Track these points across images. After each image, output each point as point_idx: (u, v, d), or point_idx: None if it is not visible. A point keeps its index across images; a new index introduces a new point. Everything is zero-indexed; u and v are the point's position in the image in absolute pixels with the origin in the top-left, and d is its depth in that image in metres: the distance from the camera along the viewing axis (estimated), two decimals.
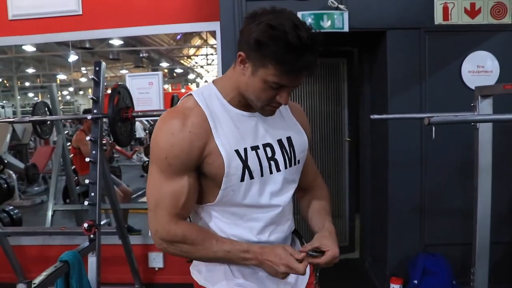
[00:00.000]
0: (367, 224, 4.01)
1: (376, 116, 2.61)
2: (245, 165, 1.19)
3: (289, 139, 1.31)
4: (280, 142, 1.28)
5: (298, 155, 1.33)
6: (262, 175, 1.23)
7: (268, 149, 1.25)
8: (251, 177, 1.21)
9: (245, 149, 1.20)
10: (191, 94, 1.23)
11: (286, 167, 1.28)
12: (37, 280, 2.12)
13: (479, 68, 3.16)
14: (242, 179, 1.20)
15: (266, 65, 1.10)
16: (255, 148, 1.22)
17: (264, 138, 1.25)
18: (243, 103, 1.23)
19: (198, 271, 1.34)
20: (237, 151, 1.18)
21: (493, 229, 2.46)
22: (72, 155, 4.82)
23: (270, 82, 1.12)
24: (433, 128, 3.12)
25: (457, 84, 3.18)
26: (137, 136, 7.73)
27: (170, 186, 1.17)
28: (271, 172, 1.25)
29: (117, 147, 6.51)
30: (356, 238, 4.37)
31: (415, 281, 3.10)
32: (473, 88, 3.02)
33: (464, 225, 3.17)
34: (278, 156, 1.27)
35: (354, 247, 4.35)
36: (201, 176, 1.21)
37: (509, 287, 3.01)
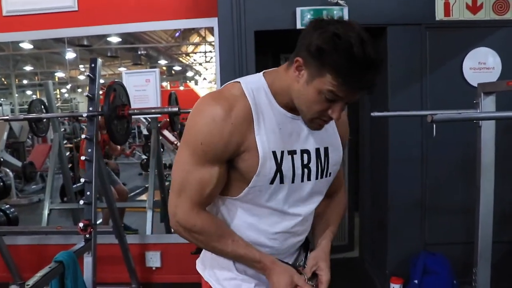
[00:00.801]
0: (367, 222, 3.97)
1: (376, 114, 2.57)
2: (279, 169, 1.15)
3: (326, 150, 1.25)
4: (317, 151, 1.23)
5: (331, 168, 1.28)
6: (293, 182, 1.20)
7: (305, 155, 1.20)
8: (282, 181, 1.17)
9: (282, 152, 1.16)
10: (238, 82, 1.18)
11: (317, 178, 1.24)
12: (31, 282, 2.08)
13: (481, 64, 3.11)
14: (272, 182, 1.16)
15: (324, 75, 1.03)
16: (292, 153, 1.18)
17: (303, 143, 1.20)
18: (291, 106, 1.16)
19: (203, 263, 1.38)
20: (274, 153, 1.14)
21: (494, 228, 2.41)
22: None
23: (325, 93, 1.05)
24: (434, 126, 3.09)
25: (459, 81, 3.14)
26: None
27: (199, 173, 1.14)
28: (302, 180, 1.21)
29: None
30: (356, 236, 4.34)
31: (416, 281, 3.06)
32: (475, 85, 2.98)
33: (465, 224, 3.14)
34: (312, 165, 1.22)
35: (353, 246, 4.32)
36: (231, 168, 1.18)
37: (511, 286, 2.98)
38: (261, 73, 1.22)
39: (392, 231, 3.31)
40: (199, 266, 1.39)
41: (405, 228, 3.29)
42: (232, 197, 1.21)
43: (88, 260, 2.60)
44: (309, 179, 1.22)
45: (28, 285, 2.04)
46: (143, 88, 3.41)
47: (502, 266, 2.69)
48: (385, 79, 3.22)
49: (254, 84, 1.16)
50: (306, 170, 1.20)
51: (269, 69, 1.23)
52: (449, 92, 3.12)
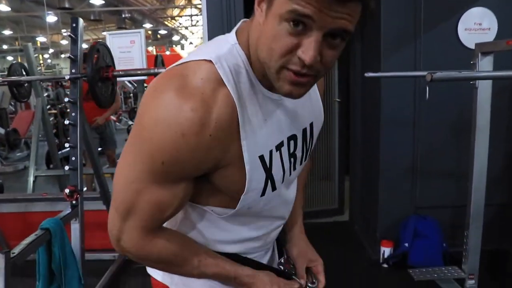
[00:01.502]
0: (357, 186, 3.96)
1: (371, 74, 2.50)
2: (269, 175, 0.86)
3: (311, 126, 0.98)
4: (304, 132, 0.96)
5: (313, 145, 1.03)
6: (283, 181, 0.92)
7: (292, 142, 0.92)
8: (274, 188, 0.88)
9: (270, 152, 0.85)
10: (210, 61, 0.77)
11: (301, 163, 0.99)
12: (16, 250, 2.02)
13: (476, 25, 3.04)
14: (263, 194, 0.87)
15: None
16: (279, 147, 0.88)
17: (289, 128, 0.90)
18: (267, 79, 0.79)
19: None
20: (261, 158, 0.83)
21: (486, 190, 2.41)
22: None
23: (286, 17, 0.68)
24: (427, 88, 3.04)
25: (453, 42, 3.07)
26: None
27: (157, 193, 0.80)
28: (290, 174, 0.94)
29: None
30: (346, 200, 4.34)
31: (406, 244, 3.08)
32: (470, 46, 2.95)
33: (456, 188, 3.15)
34: (298, 151, 0.95)
35: (343, 210, 4.32)
36: (204, 180, 0.85)
37: (499, 248, 3.01)
38: (233, 34, 0.84)
39: (382, 195, 3.30)
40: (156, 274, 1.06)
41: (395, 192, 3.28)
42: (209, 206, 0.92)
43: (75, 226, 2.55)
44: (294, 168, 0.96)
45: (14, 253, 1.99)
46: (128, 50, 3.29)
47: (492, 228, 2.70)
48: (378, 40, 3.14)
49: (231, 61, 0.79)
50: (292, 160, 0.93)
51: (239, 24, 0.86)
52: (443, 54, 3.05)
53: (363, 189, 3.85)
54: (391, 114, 3.18)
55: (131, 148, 0.80)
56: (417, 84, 3.11)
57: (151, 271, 1.06)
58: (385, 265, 3.14)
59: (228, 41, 0.82)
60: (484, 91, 2.19)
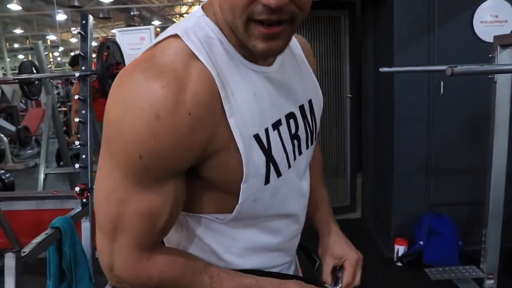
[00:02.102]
0: (369, 183, 3.91)
1: (385, 69, 2.43)
2: (269, 158, 0.73)
3: (310, 103, 0.86)
4: (302, 109, 0.83)
5: (318, 125, 0.91)
6: (289, 166, 0.79)
7: (291, 122, 0.79)
8: (278, 174, 0.76)
9: (267, 131, 0.73)
10: (175, 35, 0.69)
11: (307, 147, 0.86)
12: (27, 249, 2.01)
13: (492, 17, 2.96)
14: (267, 181, 0.74)
15: None
16: (277, 126, 0.75)
17: (285, 105, 0.78)
18: (245, 48, 0.70)
19: None
20: (256, 137, 0.71)
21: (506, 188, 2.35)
22: None
23: None
24: (442, 83, 3.00)
25: (468, 35, 3.00)
26: None
27: (143, 200, 0.67)
28: (295, 158, 0.81)
29: None
30: (358, 197, 4.28)
31: (421, 242, 3.02)
32: (486, 39, 2.88)
33: (472, 184, 3.09)
34: (301, 131, 0.82)
35: (356, 207, 4.27)
36: (196, 179, 0.74)
37: None
38: (199, 8, 0.75)
39: (396, 192, 3.25)
40: None
41: (410, 189, 3.23)
42: (210, 214, 0.78)
43: (86, 225, 2.53)
44: (300, 152, 0.83)
45: (24, 252, 1.98)
46: (138, 47, 3.26)
47: (510, 225, 2.63)
48: (391, 34, 3.08)
49: (200, 32, 0.70)
50: (296, 142, 0.81)
51: (205, 2, 0.76)
52: (458, 47, 2.99)
53: (376, 186, 3.79)
54: (405, 110, 3.12)
55: (104, 157, 0.69)
56: (431, 79, 3.05)
57: None
58: (399, 264, 3.09)
59: (194, 15, 0.74)
60: (504, 86, 2.13)
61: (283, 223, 0.85)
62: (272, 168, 0.74)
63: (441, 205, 3.19)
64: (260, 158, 0.72)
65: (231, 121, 0.67)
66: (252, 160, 0.70)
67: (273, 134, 0.74)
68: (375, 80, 3.62)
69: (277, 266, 0.89)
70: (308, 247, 1.02)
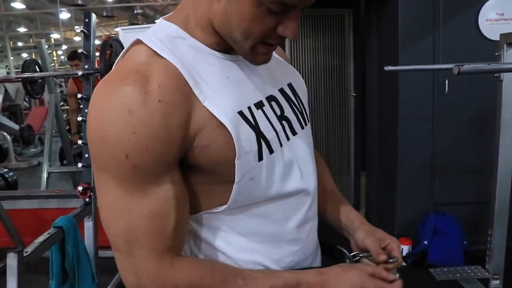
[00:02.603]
0: (373, 182, 3.90)
1: (390, 68, 2.42)
2: (258, 133, 0.74)
3: (290, 86, 0.89)
4: (282, 92, 0.86)
5: (306, 106, 0.93)
6: (281, 145, 0.79)
7: (274, 104, 0.81)
8: (271, 150, 0.76)
9: (249, 108, 0.75)
10: (139, 41, 0.74)
11: (302, 127, 0.87)
12: (29, 249, 2.00)
13: (498, 15, 2.94)
14: (261, 157, 0.74)
15: None
16: (260, 106, 0.78)
17: (263, 88, 0.81)
18: (223, 46, 0.77)
19: None
20: (241, 114, 0.73)
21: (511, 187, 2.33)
22: None
23: (268, 3, 0.66)
24: (446, 82, 2.97)
25: (474, 33, 2.98)
26: None
27: (145, 203, 0.68)
28: (288, 138, 0.82)
29: None
30: (362, 196, 4.27)
31: (425, 242, 3.00)
32: (491, 38, 2.86)
33: (477, 184, 3.07)
34: (288, 112, 0.84)
35: (360, 206, 4.25)
36: (188, 172, 0.75)
37: None
38: (160, 20, 0.81)
39: (400, 191, 3.24)
40: None
41: (414, 188, 3.21)
42: (211, 210, 0.78)
43: (89, 224, 2.53)
44: (294, 133, 0.84)
45: (27, 252, 1.97)
46: None
47: None
48: (396, 33, 3.07)
49: (161, 35, 0.74)
50: (285, 123, 0.82)
51: (167, 15, 0.82)
52: (464, 46, 2.97)
53: (380, 185, 3.78)
54: (410, 108, 3.11)
55: (97, 176, 0.71)
56: (436, 77, 3.03)
57: None
58: (403, 264, 3.07)
59: (157, 23, 0.80)
60: (510, 84, 2.11)
61: (290, 204, 0.83)
62: (263, 144, 0.75)
63: (445, 204, 3.17)
64: (250, 133, 0.73)
65: (206, 104, 0.70)
66: (242, 134, 0.72)
67: (258, 113, 0.76)
68: (379, 79, 3.60)
69: (297, 262, 0.86)
70: (333, 243, 0.96)
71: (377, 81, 3.66)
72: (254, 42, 0.71)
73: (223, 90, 0.73)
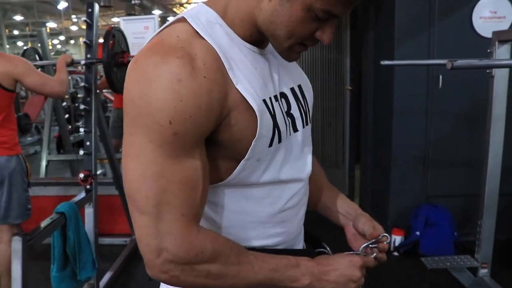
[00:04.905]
0: (367, 174, 3.96)
1: (386, 62, 2.48)
2: (275, 123, 0.80)
3: (300, 87, 0.95)
4: (293, 91, 0.92)
5: (310, 109, 0.99)
6: (287, 136, 0.86)
7: (283, 100, 0.87)
8: (280, 140, 0.82)
9: (271, 100, 0.81)
10: (183, 18, 0.79)
11: (303, 126, 0.93)
12: (33, 233, 2.05)
13: (491, 13, 3.00)
14: (271, 144, 0.80)
15: None
16: (276, 99, 0.83)
17: (279, 85, 0.86)
18: (255, 38, 0.82)
19: None
20: (265, 102, 0.79)
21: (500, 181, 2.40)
22: None
23: (317, 11, 0.72)
24: (440, 77, 3.04)
25: (467, 30, 3.05)
26: None
27: (178, 170, 0.72)
28: (289, 133, 0.88)
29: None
30: (356, 188, 4.34)
31: (417, 233, 3.08)
32: (484, 35, 2.93)
33: (467, 177, 3.14)
34: (294, 110, 0.90)
35: (354, 198, 4.32)
36: (208, 147, 0.79)
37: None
38: (200, 3, 0.85)
39: (394, 183, 3.31)
40: None
41: (407, 180, 3.28)
42: (211, 184, 0.82)
43: (89, 211, 2.58)
44: (295, 130, 0.90)
45: (30, 236, 2.02)
46: (142, 36, 3.29)
47: (505, 218, 2.69)
48: (392, 29, 3.12)
49: (202, 17, 0.79)
50: (289, 120, 0.88)
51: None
52: (457, 42, 3.04)
53: (374, 177, 3.85)
54: (404, 102, 3.18)
55: (131, 139, 0.73)
56: (430, 72, 3.09)
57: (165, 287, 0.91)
58: (395, 253, 3.15)
59: (198, 5, 0.84)
60: (501, 80, 2.18)
61: (282, 190, 0.89)
62: (276, 133, 0.81)
63: (437, 196, 3.25)
64: (269, 121, 0.79)
65: (239, 87, 0.75)
66: (264, 120, 0.77)
67: (275, 104, 0.82)
68: (375, 73, 3.66)
69: (282, 244, 0.92)
70: (317, 235, 1.04)
71: (372, 76, 3.72)
72: (294, 42, 0.78)
73: (251, 78, 0.78)
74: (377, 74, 3.62)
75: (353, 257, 0.88)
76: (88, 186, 2.56)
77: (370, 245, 0.93)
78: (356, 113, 4.20)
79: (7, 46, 17.91)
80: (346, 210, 1.06)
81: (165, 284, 0.88)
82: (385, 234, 0.94)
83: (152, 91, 0.69)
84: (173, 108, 0.69)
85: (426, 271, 2.55)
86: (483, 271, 2.43)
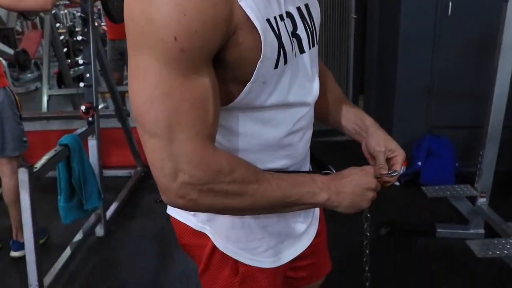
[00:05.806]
0: (371, 105, 3.94)
1: None
2: (280, 43, 0.76)
3: (307, 6, 0.90)
4: (299, 10, 0.86)
5: (317, 29, 0.94)
6: (293, 58, 0.82)
7: (288, 20, 0.81)
8: (286, 61, 0.78)
9: (275, 19, 0.76)
10: None
11: (310, 47, 0.89)
12: (38, 164, 2.07)
13: None
14: (276, 65, 0.77)
15: None
16: (281, 19, 0.78)
17: (285, 3, 0.81)
18: None
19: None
20: (268, 21, 0.74)
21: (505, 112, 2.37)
22: None
23: None
24: (450, 4, 2.93)
25: None
26: None
27: (187, 89, 0.69)
28: (295, 55, 0.83)
29: None
30: None
31: (419, 163, 3.10)
32: None
33: (473, 108, 3.11)
34: (301, 30, 0.85)
35: None
36: (213, 66, 0.75)
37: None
38: None
39: (397, 114, 3.29)
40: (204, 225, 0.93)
41: (411, 111, 3.26)
42: (225, 106, 0.80)
43: (92, 143, 2.59)
44: (302, 51, 0.86)
45: (36, 167, 2.04)
46: None
47: (506, 149, 2.68)
48: None
49: None
50: (295, 41, 0.83)
51: None
52: None
53: (377, 108, 3.82)
54: (411, 31, 3.09)
55: (135, 60, 0.69)
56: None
57: (172, 211, 0.96)
58: (397, 183, 3.18)
59: None
60: None
61: (288, 112, 0.88)
62: (282, 54, 0.76)
63: (441, 127, 3.24)
64: (274, 41, 0.74)
65: (242, 4, 0.69)
66: (268, 40, 0.73)
67: (281, 24, 0.77)
68: (381, 0, 3.54)
69: (291, 166, 0.93)
70: (323, 160, 1.04)
71: (378, 3, 3.59)
72: None
73: None
74: (383, 2, 3.50)
75: (364, 166, 0.89)
76: (90, 119, 2.56)
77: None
78: (361, 42, 4.09)
79: None
80: (360, 126, 1.07)
81: (173, 208, 0.91)
82: (396, 170, 0.95)
83: (154, 7, 0.64)
84: (177, 22, 0.64)
85: (426, 200, 2.58)
86: (482, 200, 2.45)
